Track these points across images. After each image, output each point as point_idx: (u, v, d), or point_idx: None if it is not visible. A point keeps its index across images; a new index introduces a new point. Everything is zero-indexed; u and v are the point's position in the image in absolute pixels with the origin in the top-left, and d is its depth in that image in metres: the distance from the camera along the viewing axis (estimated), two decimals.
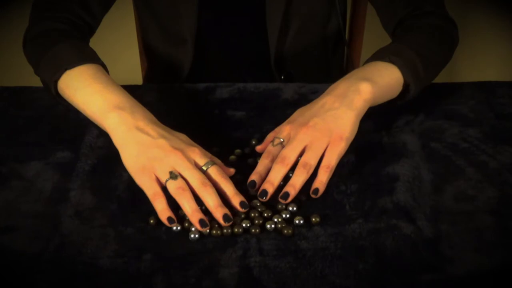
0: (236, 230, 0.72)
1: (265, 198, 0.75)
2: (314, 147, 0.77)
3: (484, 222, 0.74)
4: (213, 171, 0.75)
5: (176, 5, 1.05)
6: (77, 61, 0.84)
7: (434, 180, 0.80)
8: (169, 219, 0.72)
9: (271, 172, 0.76)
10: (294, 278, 0.67)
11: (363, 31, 1.31)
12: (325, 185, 0.76)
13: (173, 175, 0.73)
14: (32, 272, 0.67)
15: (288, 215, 0.74)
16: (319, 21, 1.11)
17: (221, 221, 0.72)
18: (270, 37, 1.07)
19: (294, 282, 0.66)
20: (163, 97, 0.96)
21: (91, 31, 0.99)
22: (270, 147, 0.80)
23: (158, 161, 0.74)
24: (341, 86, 0.82)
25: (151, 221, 0.73)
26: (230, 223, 0.72)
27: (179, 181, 0.73)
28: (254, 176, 0.77)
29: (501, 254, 0.70)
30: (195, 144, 0.78)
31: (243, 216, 0.74)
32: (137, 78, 1.33)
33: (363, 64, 0.88)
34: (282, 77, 1.12)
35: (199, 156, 0.76)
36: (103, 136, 0.85)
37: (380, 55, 0.87)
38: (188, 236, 0.71)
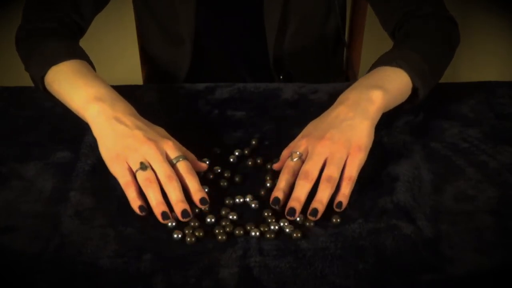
0: (237, 232, 0.72)
1: (294, 217, 0.73)
2: (335, 159, 0.75)
3: (484, 222, 0.74)
4: (182, 166, 0.76)
5: (174, 5, 1.05)
6: (63, 57, 0.86)
7: (434, 180, 0.80)
8: (140, 207, 0.74)
9: (296, 189, 0.74)
10: (294, 278, 0.67)
11: (363, 32, 1.30)
12: (348, 198, 0.75)
13: (143, 166, 0.74)
14: (32, 272, 0.67)
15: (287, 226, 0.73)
16: (318, 21, 1.11)
17: (179, 216, 0.73)
18: (268, 37, 1.07)
19: (294, 282, 0.66)
20: (163, 97, 0.96)
21: (81, 31, 1.01)
22: (289, 162, 0.77)
23: (131, 150, 0.76)
24: (352, 95, 0.81)
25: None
26: (188, 219, 0.73)
27: (148, 172, 0.74)
28: (277, 193, 0.75)
29: (501, 254, 0.70)
30: (171, 137, 0.79)
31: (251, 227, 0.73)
32: (137, 78, 1.33)
33: (370, 69, 0.87)
34: (281, 77, 1.12)
35: (171, 149, 0.77)
36: None
37: (386, 60, 0.86)
38: (187, 235, 0.71)
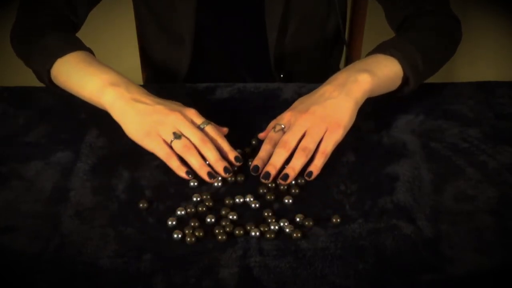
0: (237, 232, 0.72)
1: (268, 180, 0.78)
2: (313, 132, 0.80)
3: (484, 222, 0.74)
4: (210, 129, 0.81)
5: (174, 4, 1.05)
6: (67, 49, 0.88)
7: (434, 180, 0.80)
8: (187, 172, 0.78)
9: (273, 156, 0.80)
10: (294, 278, 0.67)
11: (363, 31, 1.30)
12: (319, 169, 0.79)
13: (177, 135, 0.79)
14: (32, 272, 0.67)
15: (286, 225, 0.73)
16: (318, 20, 1.11)
17: (222, 173, 0.78)
18: (269, 37, 1.07)
19: (294, 282, 0.66)
20: (163, 97, 0.96)
21: (76, 28, 1.02)
22: (271, 133, 0.83)
23: (160, 124, 0.79)
24: (341, 77, 0.85)
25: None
26: (230, 175, 0.79)
27: (183, 140, 0.79)
28: (257, 161, 0.80)
29: (501, 254, 0.70)
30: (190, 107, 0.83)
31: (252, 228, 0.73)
32: (137, 78, 1.33)
33: (365, 57, 0.90)
34: (282, 76, 1.12)
35: (195, 116, 0.82)
36: (103, 136, 0.85)
37: (381, 49, 0.89)
38: (187, 235, 0.71)
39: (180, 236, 0.71)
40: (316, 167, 0.79)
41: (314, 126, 0.80)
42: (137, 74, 1.32)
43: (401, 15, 1.00)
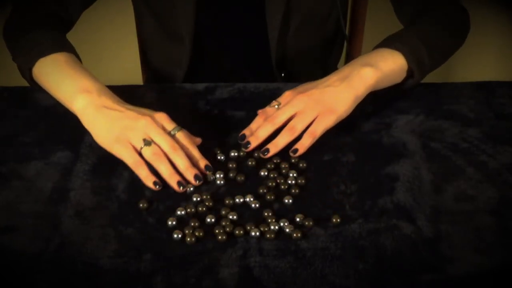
0: (237, 232, 0.72)
1: (247, 148, 0.82)
2: (304, 113, 0.82)
3: (484, 222, 0.74)
4: (181, 136, 0.80)
5: (174, 4, 1.05)
6: (51, 49, 0.88)
7: (434, 180, 0.80)
8: (155, 183, 0.77)
9: (259, 128, 0.83)
10: (294, 278, 0.67)
11: (363, 29, 1.30)
12: (305, 149, 0.81)
13: (147, 142, 0.77)
14: (32, 272, 0.67)
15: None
16: (319, 19, 1.11)
17: (192, 181, 0.77)
18: (270, 36, 1.07)
19: (294, 282, 0.66)
20: (163, 97, 0.96)
21: (68, 27, 1.02)
22: (266, 108, 0.86)
23: (130, 129, 0.78)
24: (345, 70, 0.87)
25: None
26: (201, 182, 0.77)
27: (153, 147, 0.77)
28: (245, 131, 0.84)
29: (501, 254, 0.70)
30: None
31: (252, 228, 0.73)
32: (137, 78, 1.33)
33: (371, 51, 0.91)
34: (283, 75, 1.12)
35: (167, 121, 0.80)
36: None
37: (387, 43, 0.90)
38: (187, 235, 0.71)
39: (180, 236, 0.71)
40: (302, 146, 0.81)
41: (306, 108, 0.82)
42: (137, 74, 1.32)
43: (410, 11, 1.01)
